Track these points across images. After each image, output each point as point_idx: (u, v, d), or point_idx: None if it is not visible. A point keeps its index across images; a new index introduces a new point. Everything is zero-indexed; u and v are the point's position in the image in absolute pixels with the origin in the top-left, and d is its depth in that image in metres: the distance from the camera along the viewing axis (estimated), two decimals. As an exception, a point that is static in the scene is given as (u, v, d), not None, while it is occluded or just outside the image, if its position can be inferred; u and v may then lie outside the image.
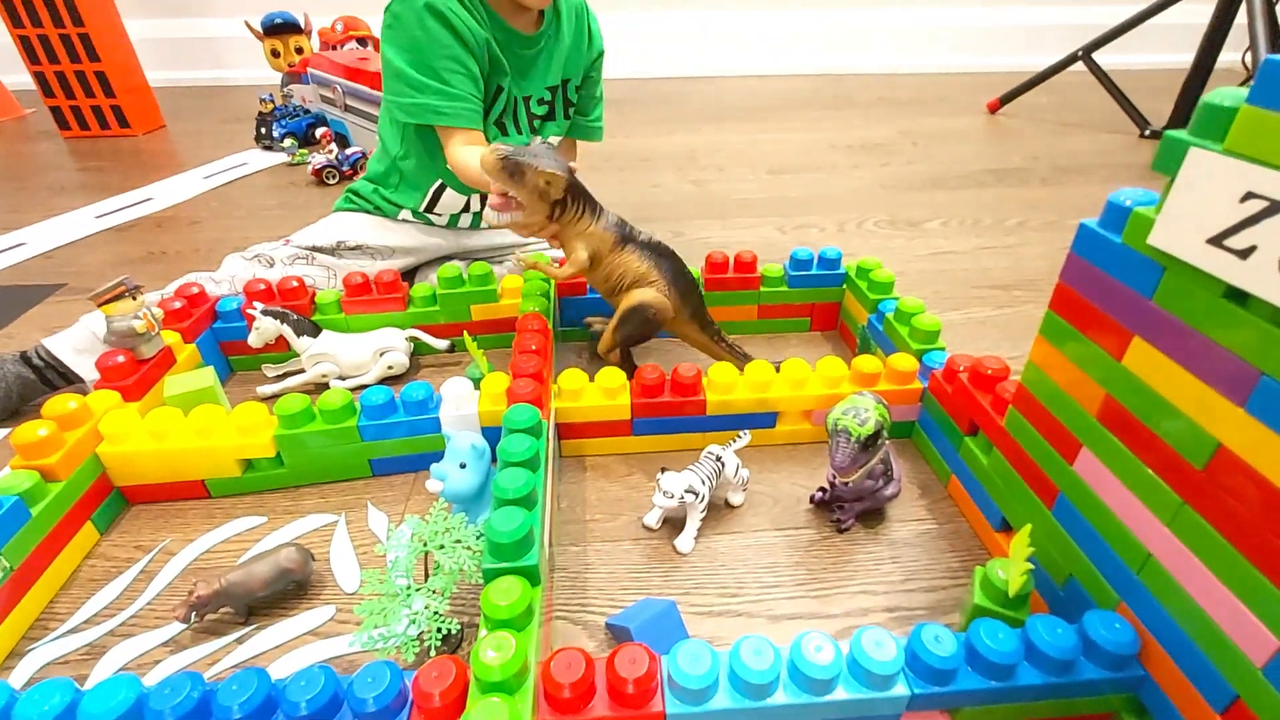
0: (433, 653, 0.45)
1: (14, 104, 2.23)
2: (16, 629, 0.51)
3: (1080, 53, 1.91)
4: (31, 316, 0.98)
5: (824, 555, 0.58)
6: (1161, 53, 2.43)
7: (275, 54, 1.90)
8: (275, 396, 0.76)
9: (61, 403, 0.60)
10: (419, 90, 0.79)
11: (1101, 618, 0.42)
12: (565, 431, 0.68)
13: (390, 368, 0.80)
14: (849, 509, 0.61)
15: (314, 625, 0.52)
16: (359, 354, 0.78)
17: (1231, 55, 1.84)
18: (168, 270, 1.10)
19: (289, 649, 0.51)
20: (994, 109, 2.15)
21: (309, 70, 1.73)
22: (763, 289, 0.89)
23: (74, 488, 0.58)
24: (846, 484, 0.57)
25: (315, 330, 0.78)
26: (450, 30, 0.78)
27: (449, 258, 1.01)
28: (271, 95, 1.82)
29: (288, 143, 1.73)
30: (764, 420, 0.69)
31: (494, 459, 0.57)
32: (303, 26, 1.91)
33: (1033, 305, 0.99)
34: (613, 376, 0.67)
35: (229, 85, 2.62)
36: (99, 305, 0.66)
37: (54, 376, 0.74)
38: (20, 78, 1.98)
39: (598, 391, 0.67)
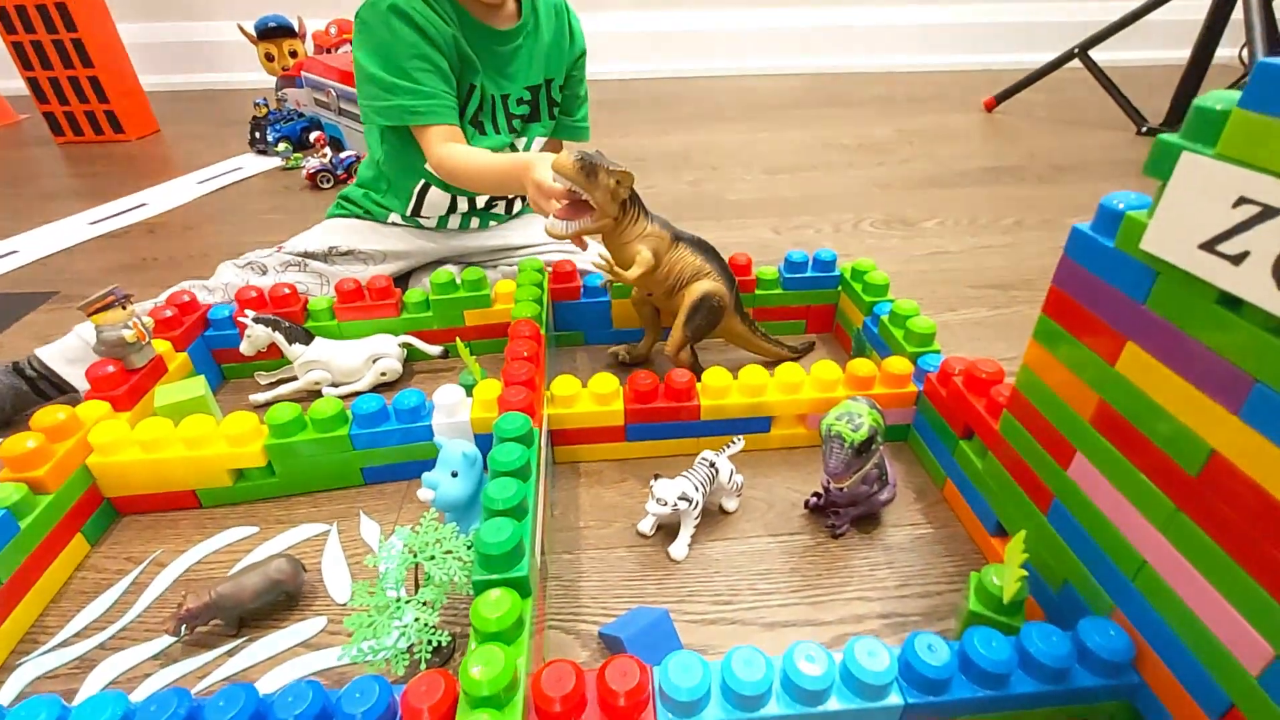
0: (423, 666, 0.44)
1: (7, 110, 2.22)
2: (5, 643, 0.51)
3: (1076, 50, 1.91)
4: (24, 325, 0.98)
5: (819, 561, 0.58)
6: (1158, 49, 2.43)
7: (269, 58, 1.89)
8: (268, 404, 0.76)
9: (50, 414, 0.59)
10: (391, 92, 0.80)
11: (1096, 625, 0.42)
12: (558, 438, 0.68)
13: (383, 374, 0.80)
14: (844, 514, 0.60)
15: (305, 637, 0.52)
16: (352, 360, 0.78)
17: (1228, 51, 1.84)
18: (161, 277, 1.09)
19: (280, 661, 0.50)
20: (990, 107, 2.14)
21: (303, 74, 1.72)
22: (757, 292, 0.88)
23: (63, 499, 0.57)
24: (841, 489, 0.57)
25: (308, 337, 0.78)
26: (416, 29, 0.78)
27: (441, 261, 1.01)
28: (266, 99, 1.82)
29: (282, 147, 1.72)
30: (758, 425, 0.69)
31: (486, 467, 0.56)
32: (297, 30, 1.90)
33: (1030, 305, 0.99)
34: (605, 383, 0.67)
35: (223, 90, 2.61)
36: (88, 315, 0.65)
37: (47, 387, 0.74)
38: (13, 83, 1.97)
39: (590, 398, 0.67)
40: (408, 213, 0.95)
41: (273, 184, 1.59)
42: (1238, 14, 1.66)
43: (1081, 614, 0.45)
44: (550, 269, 0.88)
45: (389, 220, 0.97)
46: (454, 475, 0.54)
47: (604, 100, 2.30)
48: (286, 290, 0.82)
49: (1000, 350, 0.84)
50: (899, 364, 0.67)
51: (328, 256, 0.93)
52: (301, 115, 1.80)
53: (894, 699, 0.40)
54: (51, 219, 1.36)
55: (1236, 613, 0.35)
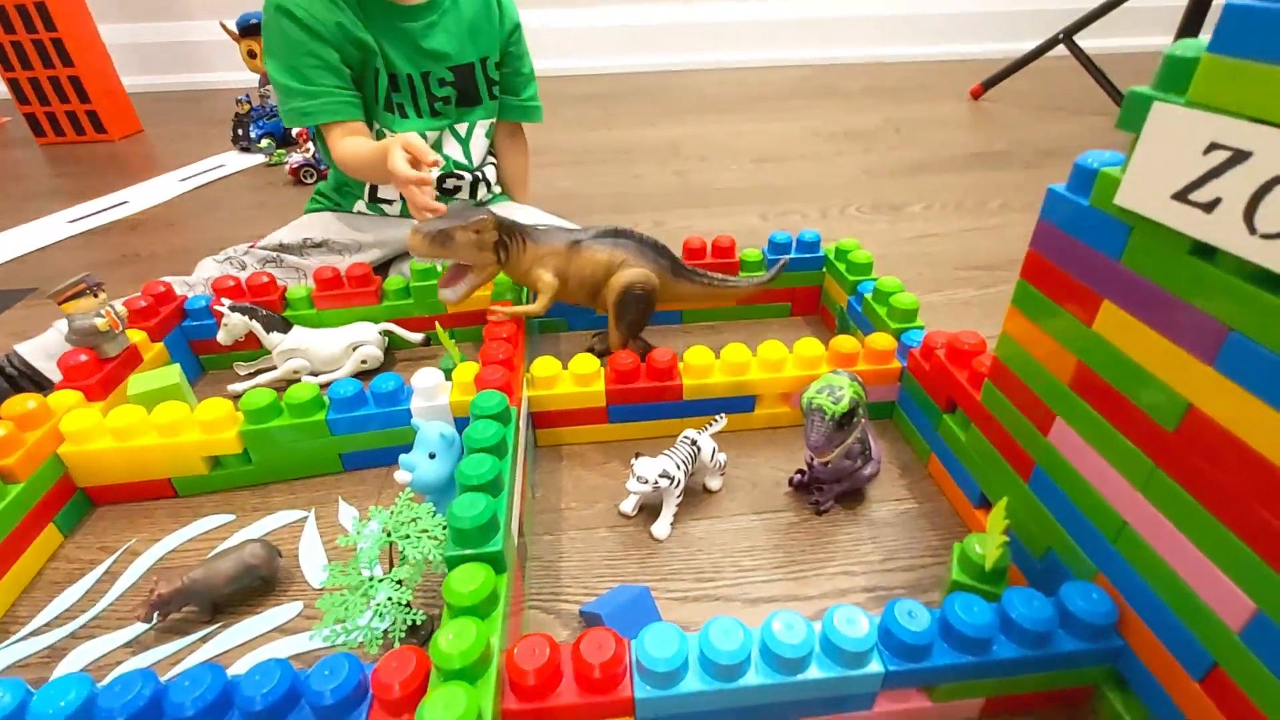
0: (397, 645, 0.44)
1: (-11, 112, 2.20)
2: (-26, 634, 0.50)
3: (1061, 35, 1.91)
4: (1, 322, 0.97)
5: (802, 538, 0.58)
6: (1143, 35, 2.44)
7: (252, 54, 1.87)
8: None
9: (20, 402, 0.58)
10: (289, 95, 0.81)
11: (1079, 589, 0.42)
12: (540, 420, 0.67)
13: (364, 362, 0.79)
14: (828, 490, 0.60)
15: (280, 622, 0.51)
16: (331, 348, 0.77)
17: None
18: (141, 273, 1.08)
19: (254, 646, 0.49)
20: (977, 95, 2.14)
21: (285, 70, 1.71)
22: (741, 274, 0.87)
23: (34, 489, 0.56)
24: (824, 464, 0.56)
25: (285, 326, 0.77)
26: (300, 26, 0.78)
27: None
28: (248, 96, 1.80)
29: (265, 143, 1.71)
30: (742, 404, 0.68)
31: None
32: (279, 26, 1.89)
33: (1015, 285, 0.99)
34: (587, 363, 0.66)
35: (206, 88, 2.59)
36: (59, 303, 0.64)
37: (29, 386, 0.72)
38: (-6, 86, 1.95)
39: (571, 379, 0.66)
40: (367, 199, 0.94)
41: (256, 180, 1.58)
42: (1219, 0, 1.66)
43: (1065, 581, 0.44)
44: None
45: (355, 210, 0.96)
46: (432, 456, 0.53)
47: (592, 94, 2.29)
48: (265, 279, 0.81)
49: (987, 329, 0.83)
50: (882, 340, 0.67)
51: (302, 249, 0.92)
52: (285, 112, 1.78)
53: (874, 666, 0.39)
54: (31, 218, 1.35)
55: (1217, 569, 0.34)
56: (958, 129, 1.85)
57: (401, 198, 0.94)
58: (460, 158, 0.95)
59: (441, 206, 0.72)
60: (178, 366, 0.69)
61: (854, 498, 0.61)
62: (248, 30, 1.84)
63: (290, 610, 0.52)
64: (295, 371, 0.77)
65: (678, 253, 0.86)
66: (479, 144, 0.97)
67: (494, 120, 0.97)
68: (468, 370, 0.63)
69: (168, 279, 0.85)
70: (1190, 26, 1.72)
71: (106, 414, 0.61)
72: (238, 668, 0.47)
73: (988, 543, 0.44)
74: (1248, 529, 0.32)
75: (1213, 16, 1.72)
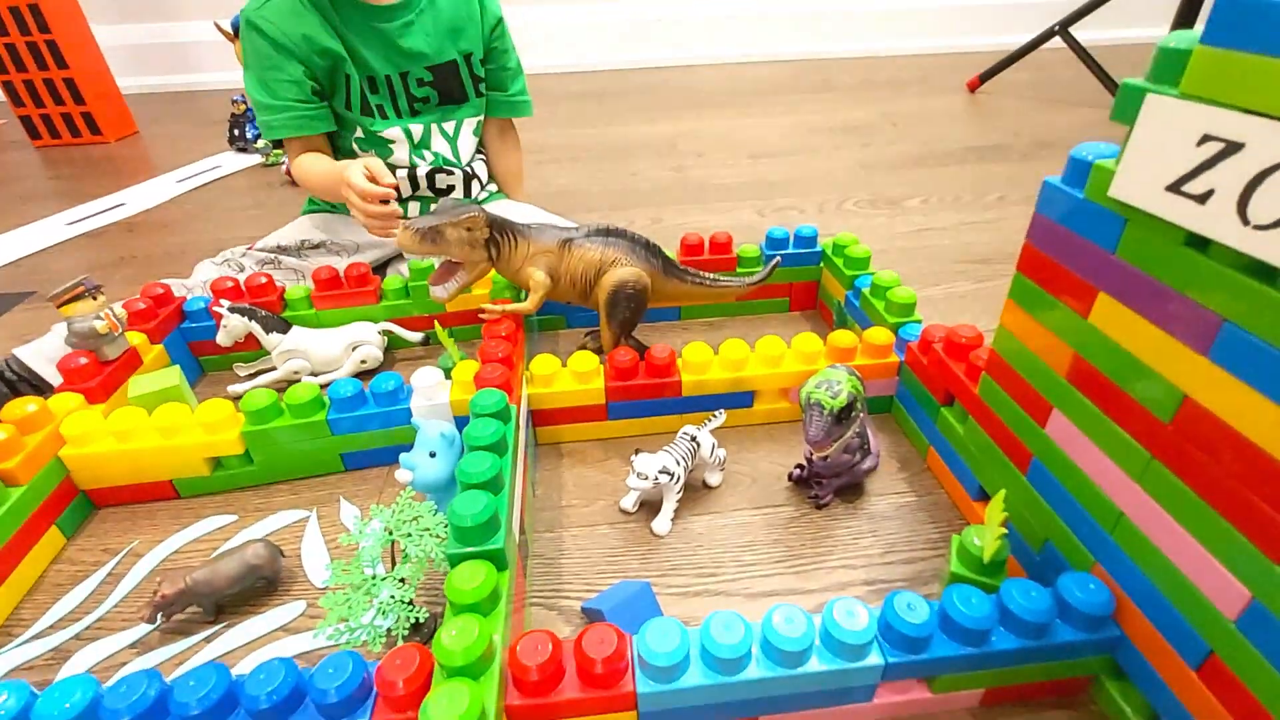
0: (400, 643, 0.44)
1: (-16, 115, 2.19)
2: (-22, 637, 0.50)
3: (1057, 27, 1.90)
4: (0, 325, 0.97)
5: (802, 532, 0.58)
6: (1138, 26, 2.44)
7: (247, 55, 1.87)
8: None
9: (20, 406, 0.58)
10: (258, 108, 0.83)
11: (1076, 579, 0.42)
12: (540, 418, 0.67)
13: (363, 362, 0.79)
14: (827, 484, 0.60)
15: (284, 621, 0.51)
16: (330, 349, 0.77)
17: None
18: (139, 275, 1.08)
19: (258, 646, 0.50)
20: (974, 87, 2.14)
21: (281, 69, 1.70)
22: (739, 270, 0.88)
23: (36, 492, 0.56)
24: (823, 459, 0.57)
25: (285, 326, 0.77)
26: (266, 40, 0.79)
27: None
28: (243, 96, 1.80)
29: (261, 143, 1.70)
30: (741, 400, 0.68)
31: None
32: (273, 26, 1.88)
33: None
34: (586, 361, 0.66)
35: (201, 89, 2.58)
36: (57, 306, 0.64)
37: (28, 390, 0.72)
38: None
39: (571, 376, 0.66)
40: None
41: (252, 181, 1.57)
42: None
43: (1063, 573, 0.44)
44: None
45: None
46: (432, 456, 0.53)
47: (589, 91, 2.29)
48: (263, 280, 0.81)
49: (985, 323, 0.83)
50: (880, 334, 0.67)
51: (300, 250, 0.92)
52: (281, 112, 1.78)
53: (874, 658, 0.40)
54: (28, 221, 1.35)
55: (1213, 558, 0.35)
56: (954, 122, 1.85)
57: (399, 198, 0.94)
58: (449, 156, 0.95)
59: (394, 210, 0.75)
60: (178, 368, 0.69)
61: (853, 492, 0.62)
62: (242, 30, 1.83)
63: (293, 610, 0.52)
64: (295, 372, 0.77)
65: (675, 249, 0.87)
66: (467, 141, 0.97)
67: (482, 117, 0.97)
68: (467, 369, 0.63)
69: (166, 281, 0.85)
70: (1185, 18, 1.72)
71: (107, 416, 0.61)
72: (242, 667, 0.48)
73: (986, 535, 0.45)
74: (1243, 518, 0.33)
75: (1207, 9, 1.72)
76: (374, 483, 0.65)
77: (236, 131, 1.76)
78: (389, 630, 0.44)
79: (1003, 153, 1.56)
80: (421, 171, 0.93)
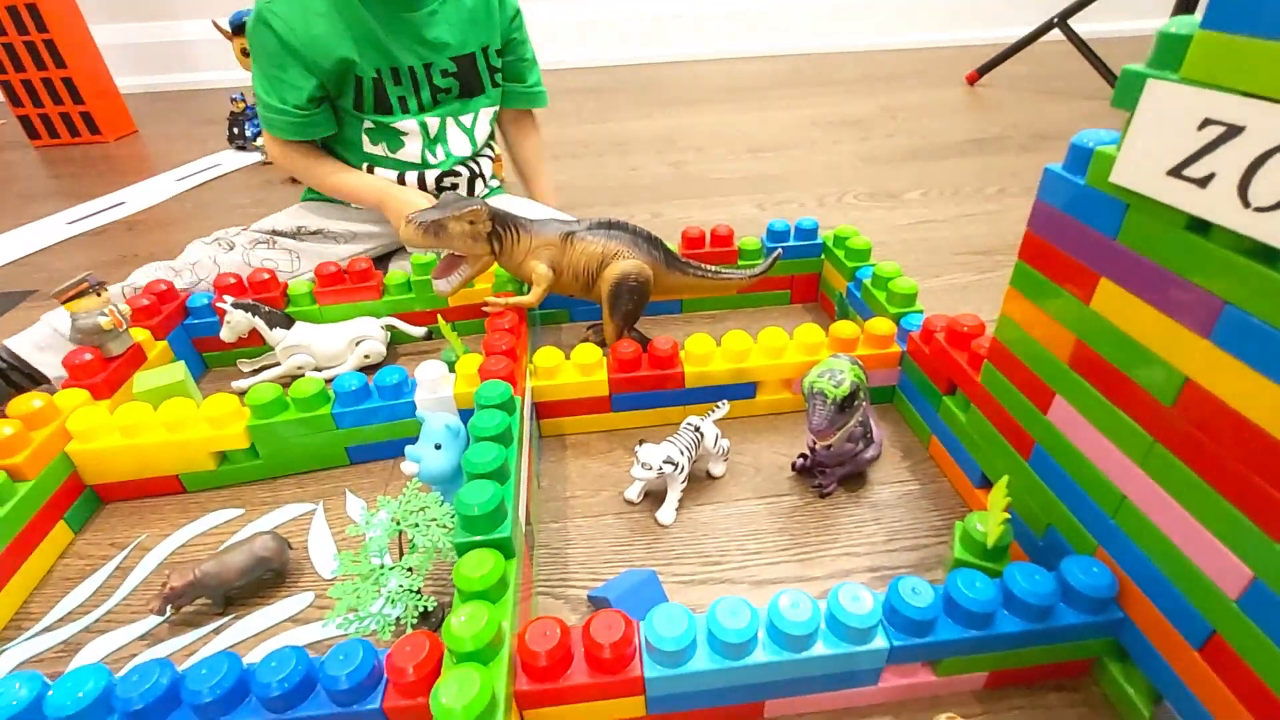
0: (409, 631, 0.44)
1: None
2: (-11, 630, 0.51)
3: (1056, 19, 1.90)
4: (1, 324, 0.97)
5: (806, 520, 0.58)
6: (1138, 18, 2.43)
7: (245, 53, 1.86)
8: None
9: (26, 401, 0.58)
10: (261, 105, 0.85)
11: (1079, 563, 0.42)
12: (544, 410, 0.67)
13: (367, 357, 0.79)
14: (830, 473, 0.60)
15: (293, 612, 0.52)
16: (334, 344, 0.77)
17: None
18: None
19: (267, 637, 0.50)
20: (973, 80, 2.14)
21: (279, 67, 1.70)
22: (740, 263, 0.88)
23: (43, 487, 0.57)
24: (827, 448, 0.57)
25: (288, 322, 0.77)
26: (275, 37, 0.79)
27: None
28: (243, 94, 1.80)
29: (260, 141, 1.70)
30: (744, 391, 0.68)
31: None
32: (271, 24, 1.88)
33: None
34: (589, 353, 0.67)
35: (200, 88, 2.58)
36: (62, 302, 0.64)
37: (20, 379, 0.72)
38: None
39: (574, 368, 0.66)
40: None
41: (252, 179, 1.57)
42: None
43: (1066, 556, 0.45)
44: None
45: (352, 203, 0.96)
46: (437, 448, 0.53)
47: (588, 86, 2.29)
48: (265, 275, 0.81)
49: (986, 313, 0.83)
50: (882, 325, 0.67)
51: (297, 235, 0.92)
52: (280, 110, 1.78)
53: (879, 642, 0.40)
54: (28, 220, 1.35)
55: (1214, 538, 0.35)
56: (954, 115, 1.85)
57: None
58: (466, 147, 0.95)
59: None
60: (182, 364, 0.69)
61: (856, 480, 0.62)
62: (240, 28, 1.83)
63: (302, 601, 0.53)
64: (299, 367, 0.77)
65: (676, 243, 0.87)
66: (483, 132, 0.97)
67: (497, 108, 0.97)
68: (471, 362, 0.64)
69: (154, 265, 0.85)
70: (1185, 8, 1.72)
71: (113, 412, 0.61)
72: (252, 657, 0.48)
73: (989, 520, 0.45)
74: (1245, 499, 0.33)
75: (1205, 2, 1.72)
76: (379, 476, 0.65)
77: (236, 130, 1.76)
78: (398, 619, 0.45)
79: (1002, 145, 1.56)
80: (431, 177, 0.93)
